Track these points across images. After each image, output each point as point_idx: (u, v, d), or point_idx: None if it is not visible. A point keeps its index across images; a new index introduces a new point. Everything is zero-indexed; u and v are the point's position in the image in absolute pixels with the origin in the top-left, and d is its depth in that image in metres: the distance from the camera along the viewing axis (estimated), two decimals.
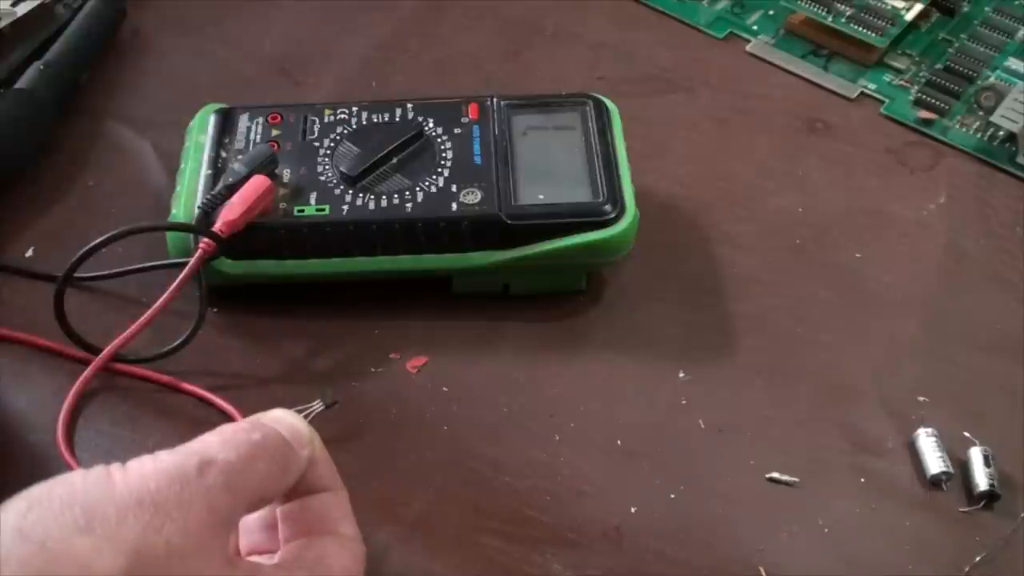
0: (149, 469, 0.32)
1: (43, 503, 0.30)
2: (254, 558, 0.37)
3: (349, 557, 0.36)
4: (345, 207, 0.48)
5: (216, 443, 0.34)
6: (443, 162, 0.49)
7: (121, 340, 0.46)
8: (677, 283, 0.51)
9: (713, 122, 0.58)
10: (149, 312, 0.45)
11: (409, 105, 0.52)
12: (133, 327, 0.45)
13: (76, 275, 0.47)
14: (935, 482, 0.45)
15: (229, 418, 0.45)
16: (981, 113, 0.58)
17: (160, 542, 0.30)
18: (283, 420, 0.36)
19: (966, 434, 0.46)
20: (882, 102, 0.60)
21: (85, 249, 0.46)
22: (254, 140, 0.50)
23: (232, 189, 0.47)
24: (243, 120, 0.51)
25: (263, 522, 0.38)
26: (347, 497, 0.37)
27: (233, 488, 0.33)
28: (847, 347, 0.49)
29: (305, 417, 0.38)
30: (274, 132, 0.51)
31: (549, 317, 0.50)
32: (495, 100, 0.52)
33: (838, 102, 0.60)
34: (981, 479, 0.44)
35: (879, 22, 0.61)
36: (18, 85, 0.54)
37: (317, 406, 0.40)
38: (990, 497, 0.44)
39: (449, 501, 0.44)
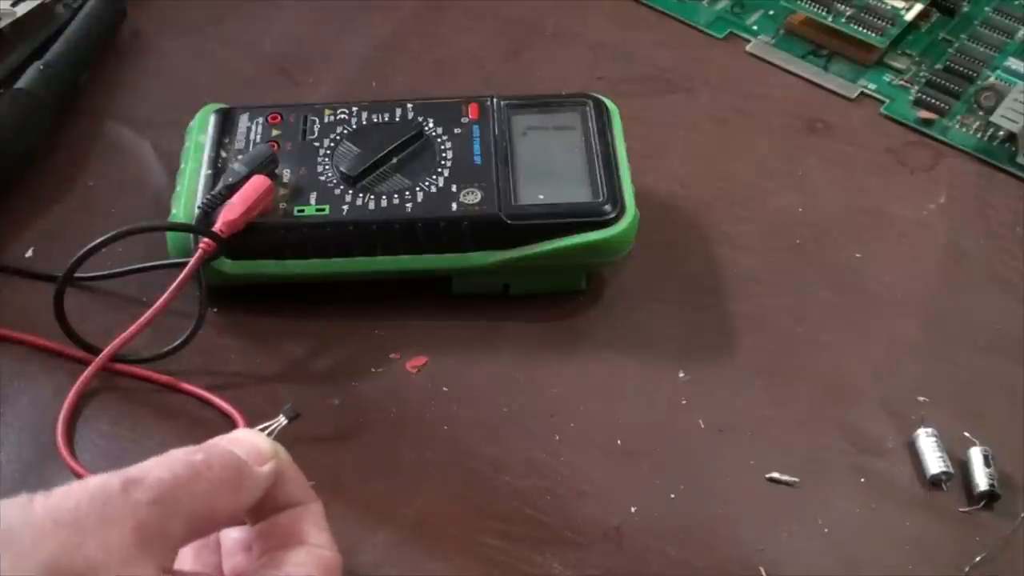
0: (72, 490, 0.32)
1: None
2: None
3: (318, 565, 0.35)
4: (345, 207, 0.48)
5: (151, 464, 0.33)
6: (443, 162, 0.49)
7: (121, 340, 0.46)
8: (677, 283, 0.51)
9: (713, 122, 0.58)
10: (149, 312, 0.45)
11: (409, 105, 0.52)
12: (133, 327, 0.45)
13: (76, 275, 0.47)
14: (935, 482, 0.45)
15: (229, 418, 0.45)
16: (981, 113, 0.58)
17: (79, 558, 0.30)
18: (240, 440, 0.36)
19: (966, 434, 0.46)
20: (882, 102, 0.60)
21: (85, 249, 0.46)
22: (254, 140, 0.50)
23: (232, 189, 0.47)
24: (243, 120, 0.51)
25: (243, 544, 0.37)
26: (321, 510, 0.37)
27: (164, 504, 0.32)
28: (847, 347, 0.49)
29: (269, 434, 0.38)
30: (274, 132, 0.51)
31: (549, 317, 0.50)
32: (495, 100, 0.52)
33: (838, 102, 0.60)
34: (981, 479, 0.44)
35: (879, 22, 0.61)
36: (18, 85, 0.54)
37: (281, 421, 0.40)
38: (990, 497, 0.44)
39: (449, 501, 0.44)
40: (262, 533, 0.36)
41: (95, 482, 0.32)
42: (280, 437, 0.39)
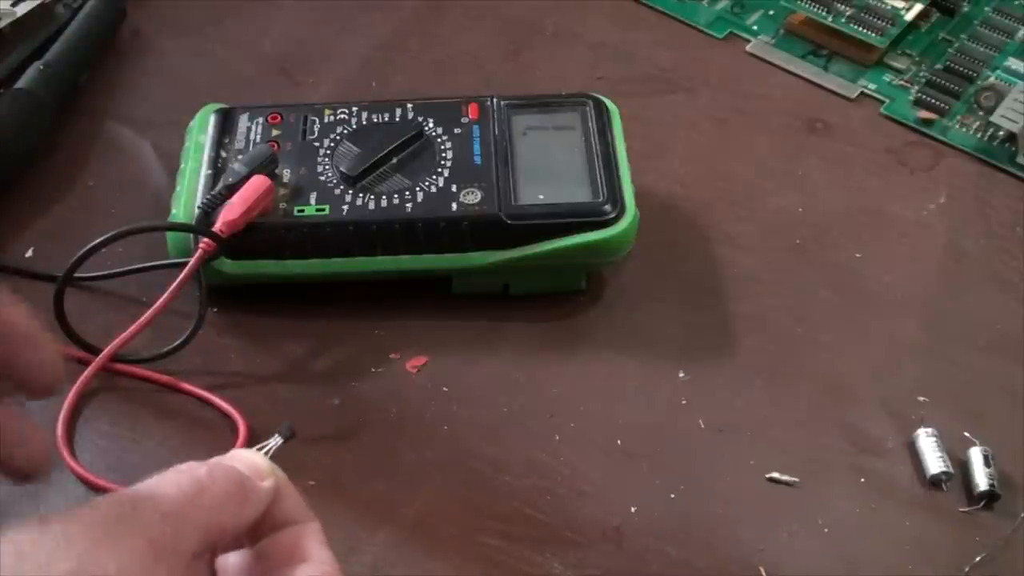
0: (82, 511, 0.32)
1: None
2: None
3: None
4: (345, 207, 0.48)
5: (155, 481, 0.34)
6: (443, 162, 0.49)
7: (121, 340, 0.46)
8: (677, 283, 0.51)
9: (713, 122, 0.58)
10: (149, 312, 0.45)
11: (409, 105, 0.52)
12: (133, 327, 0.45)
13: (76, 275, 0.47)
14: (935, 482, 0.45)
15: (229, 418, 0.45)
16: (981, 113, 0.58)
17: (96, 572, 0.30)
18: (240, 457, 0.36)
19: (966, 434, 0.46)
20: (882, 102, 0.60)
21: (85, 249, 0.46)
22: (254, 140, 0.50)
23: (232, 189, 0.47)
24: (243, 120, 0.51)
25: (242, 566, 0.37)
26: (319, 528, 0.37)
27: (174, 519, 0.32)
28: (847, 347, 0.49)
29: (266, 454, 0.38)
30: (274, 132, 0.51)
31: (549, 317, 0.50)
32: (495, 100, 0.52)
33: (838, 102, 0.60)
34: (981, 479, 0.44)
35: (879, 22, 0.61)
36: (18, 85, 0.54)
37: (276, 441, 0.40)
38: (990, 497, 0.44)
39: (449, 501, 0.44)
40: (262, 553, 0.36)
41: (105, 501, 0.32)
42: (285, 443, 0.39)
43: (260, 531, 0.36)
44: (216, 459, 0.36)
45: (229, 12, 0.63)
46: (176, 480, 0.34)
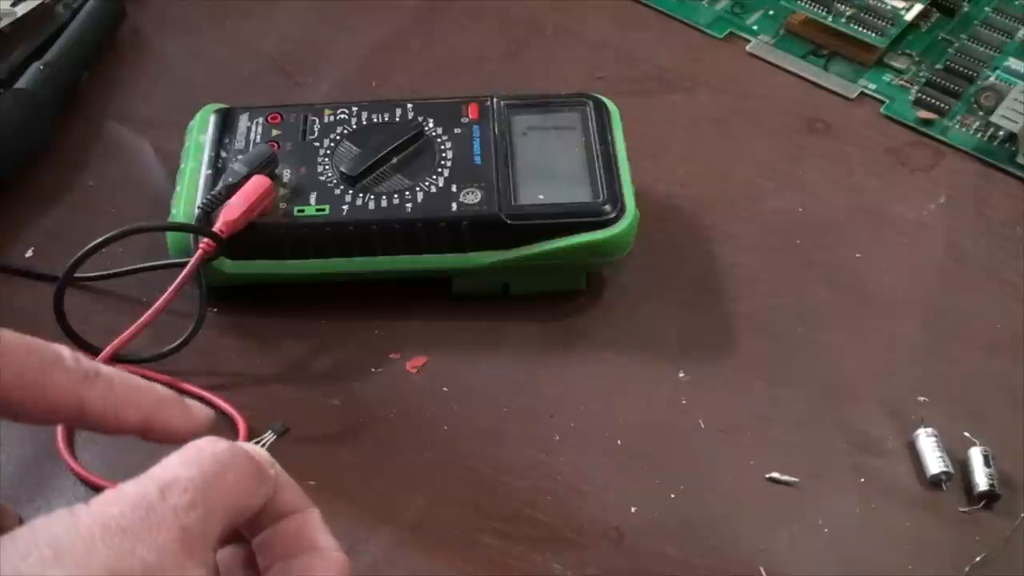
0: (111, 498, 0.32)
1: (7, 549, 0.30)
2: None
3: (332, 568, 0.35)
4: (345, 207, 0.48)
5: (176, 463, 0.33)
6: (443, 162, 0.49)
7: (121, 340, 0.46)
8: (677, 283, 0.51)
9: (713, 122, 0.58)
10: (149, 312, 0.45)
11: (409, 105, 0.52)
12: (133, 327, 0.46)
13: (76, 275, 0.47)
14: (935, 482, 0.45)
15: (229, 418, 0.45)
16: (981, 113, 0.58)
17: (134, 563, 0.30)
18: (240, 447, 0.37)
19: (966, 434, 0.46)
20: (882, 102, 0.60)
21: (85, 249, 0.46)
22: (254, 140, 0.50)
23: (232, 189, 0.47)
24: (243, 120, 0.51)
25: (242, 560, 0.37)
26: (319, 515, 0.37)
27: (202, 504, 0.32)
28: (847, 347, 0.49)
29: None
30: (274, 132, 0.51)
31: (549, 317, 0.50)
32: (495, 100, 0.52)
33: (838, 102, 0.60)
34: (981, 479, 0.44)
35: (879, 22, 0.61)
36: (18, 85, 0.54)
37: (269, 437, 0.40)
38: (990, 497, 0.44)
39: (449, 501, 0.44)
40: (265, 544, 0.36)
41: (132, 489, 0.32)
42: (279, 438, 0.39)
43: (260, 523, 0.36)
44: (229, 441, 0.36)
45: (229, 12, 0.63)
46: (198, 459, 0.33)
